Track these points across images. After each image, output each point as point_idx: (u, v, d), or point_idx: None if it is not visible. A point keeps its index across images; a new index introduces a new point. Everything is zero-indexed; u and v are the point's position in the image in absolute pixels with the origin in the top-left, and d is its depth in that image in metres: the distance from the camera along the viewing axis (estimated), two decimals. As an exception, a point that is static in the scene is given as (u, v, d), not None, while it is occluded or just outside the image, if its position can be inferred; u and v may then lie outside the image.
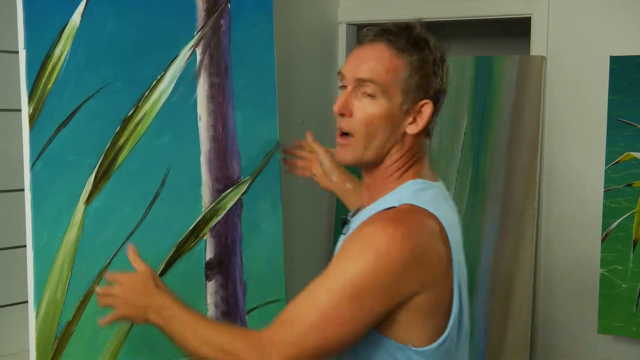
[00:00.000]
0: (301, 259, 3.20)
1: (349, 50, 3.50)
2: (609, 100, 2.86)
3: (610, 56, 2.86)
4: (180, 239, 2.20)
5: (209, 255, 2.26)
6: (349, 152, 1.70)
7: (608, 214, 2.87)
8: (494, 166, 3.12)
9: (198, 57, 2.24)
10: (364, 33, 1.73)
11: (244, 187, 2.29)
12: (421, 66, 1.67)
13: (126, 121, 2.13)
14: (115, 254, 2.10)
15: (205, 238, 2.24)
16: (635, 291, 2.83)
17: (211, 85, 2.26)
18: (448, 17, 3.31)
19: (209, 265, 2.27)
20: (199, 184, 2.24)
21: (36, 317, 1.98)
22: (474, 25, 3.64)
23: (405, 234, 1.55)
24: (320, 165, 2.33)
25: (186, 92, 2.22)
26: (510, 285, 3.06)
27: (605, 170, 2.88)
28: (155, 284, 1.78)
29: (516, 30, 3.35)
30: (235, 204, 2.29)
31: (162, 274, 2.17)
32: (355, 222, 1.75)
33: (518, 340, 3.04)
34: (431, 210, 1.63)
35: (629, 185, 2.85)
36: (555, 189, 3.05)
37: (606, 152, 2.87)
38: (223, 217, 2.27)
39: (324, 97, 3.44)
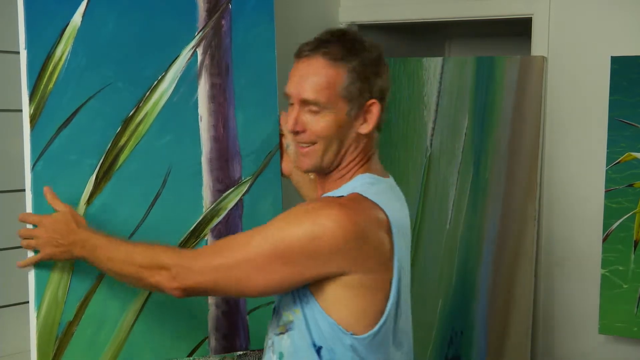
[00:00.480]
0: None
1: (349, 51, 3.50)
2: (610, 101, 2.86)
3: (611, 56, 2.86)
4: (181, 239, 2.20)
5: None
6: (309, 160, 1.77)
7: (609, 215, 2.87)
8: (495, 166, 3.12)
9: (199, 58, 2.24)
10: (301, 47, 1.77)
11: (245, 187, 2.29)
12: (361, 70, 1.72)
13: (127, 121, 2.12)
14: None
15: (206, 238, 2.24)
16: (637, 291, 2.83)
17: (212, 86, 2.26)
18: (449, 17, 3.31)
19: None
20: (200, 184, 2.24)
21: (37, 317, 1.98)
22: (475, 26, 3.64)
23: (351, 217, 1.63)
24: (285, 148, 2.33)
25: (187, 92, 2.22)
26: (511, 285, 3.05)
27: (606, 170, 2.87)
28: (76, 221, 1.91)
29: (517, 30, 3.34)
30: (236, 204, 2.28)
31: None
32: None
33: (519, 340, 3.04)
34: (377, 202, 1.70)
35: (630, 185, 2.84)
36: (556, 189, 3.05)
37: (607, 152, 2.87)
38: (224, 218, 2.26)
39: (324, 98, 3.43)
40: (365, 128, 1.76)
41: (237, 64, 2.30)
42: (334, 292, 1.67)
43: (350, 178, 1.78)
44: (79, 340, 2.04)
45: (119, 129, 2.11)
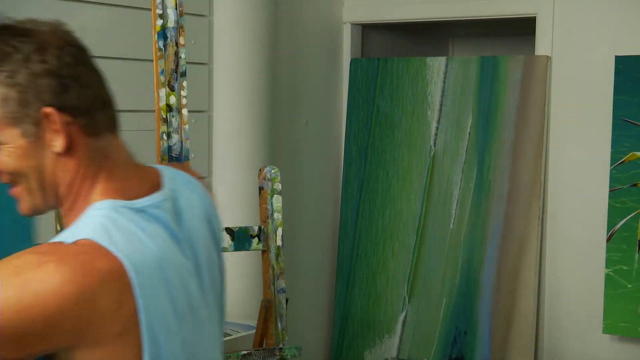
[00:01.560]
0: (305, 260, 3.20)
1: (353, 50, 3.51)
2: (614, 100, 2.86)
3: (616, 56, 2.85)
4: None
5: None
6: (22, 203, 1.40)
7: (613, 214, 2.87)
8: (499, 166, 3.12)
9: None
10: None
11: None
12: (13, 79, 1.32)
13: None
14: None
15: None
16: (640, 291, 2.83)
17: None
18: (453, 17, 3.31)
19: None
20: None
21: None
22: (479, 25, 3.64)
23: (72, 277, 1.26)
24: None
25: None
26: (514, 284, 3.05)
27: (611, 170, 2.87)
28: None
29: (521, 30, 3.34)
30: None
31: None
32: None
33: (522, 340, 3.04)
34: (113, 249, 1.31)
35: (634, 185, 2.84)
36: (560, 188, 3.05)
37: (611, 152, 2.87)
38: None
39: (328, 97, 3.44)
40: (58, 145, 1.34)
41: None
42: None
43: (83, 207, 1.37)
44: None
45: None
